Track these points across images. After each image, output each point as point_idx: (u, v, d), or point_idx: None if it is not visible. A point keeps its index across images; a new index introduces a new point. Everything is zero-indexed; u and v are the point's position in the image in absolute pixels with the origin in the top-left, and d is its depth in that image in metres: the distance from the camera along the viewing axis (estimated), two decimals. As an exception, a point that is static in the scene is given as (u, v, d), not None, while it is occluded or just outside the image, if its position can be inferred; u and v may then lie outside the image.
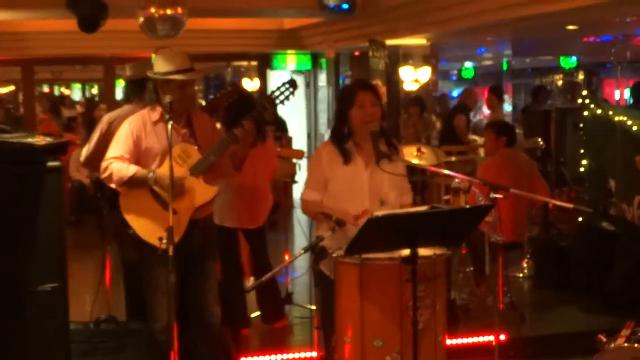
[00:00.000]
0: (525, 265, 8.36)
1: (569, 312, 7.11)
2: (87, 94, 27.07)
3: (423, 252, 3.90)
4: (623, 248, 7.10)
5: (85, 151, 5.67)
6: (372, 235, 3.79)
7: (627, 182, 7.24)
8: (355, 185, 4.41)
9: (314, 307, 4.18)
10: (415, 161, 7.14)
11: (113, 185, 4.85)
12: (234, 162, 5.00)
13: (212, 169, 4.93)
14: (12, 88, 24.01)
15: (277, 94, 5.03)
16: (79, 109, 20.80)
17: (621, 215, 7.26)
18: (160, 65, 4.87)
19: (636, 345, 4.44)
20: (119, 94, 15.91)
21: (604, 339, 4.58)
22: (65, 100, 22.67)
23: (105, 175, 4.83)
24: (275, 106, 5.12)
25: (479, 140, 9.33)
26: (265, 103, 5.05)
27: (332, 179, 4.45)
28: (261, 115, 5.04)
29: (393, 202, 4.43)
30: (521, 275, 8.32)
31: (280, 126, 12.98)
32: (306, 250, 4.06)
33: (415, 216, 3.94)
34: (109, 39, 12.38)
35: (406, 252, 3.81)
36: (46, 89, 25.60)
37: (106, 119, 5.61)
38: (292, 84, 5.07)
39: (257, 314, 6.71)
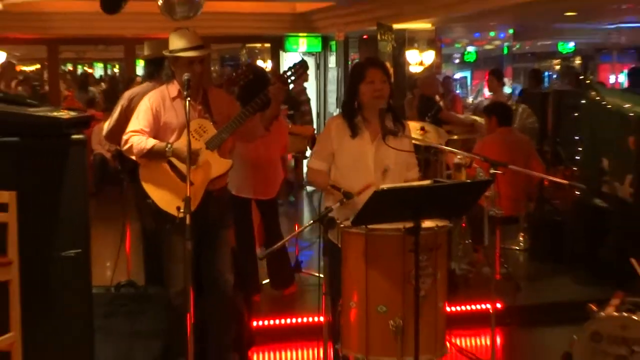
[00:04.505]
0: (521, 239, 8.36)
1: (562, 283, 7.13)
2: (109, 73, 27.05)
3: (425, 223, 3.90)
4: (614, 223, 7.11)
5: (107, 125, 5.69)
6: (377, 206, 3.79)
7: (619, 161, 7.24)
8: (360, 158, 4.41)
9: (321, 275, 4.19)
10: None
11: (133, 157, 4.88)
12: (264, 122, 5.05)
13: (244, 131, 4.96)
14: (37, 66, 24.02)
15: (288, 73, 5.03)
16: (103, 85, 20.82)
17: (613, 193, 7.27)
18: (172, 44, 4.88)
19: (624, 313, 4.45)
20: (139, 73, 15.89)
21: (595, 308, 4.59)
22: (88, 78, 22.66)
23: (126, 147, 4.85)
24: (287, 85, 5.13)
25: (480, 120, 9.29)
26: (277, 80, 5.06)
27: (339, 151, 4.45)
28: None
29: (396, 175, 4.43)
30: (517, 247, 8.33)
31: (294, 104, 12.93)
32: (315, 220, 4.06)
33: (419, 190, 3.94)
34: (129, 20, 12.36)
35: (409, 223, 3.81)
36: (69, 68, 25.59)
37: (127, 95, 5.63)
38: (303, 65, 5.07)
39: (268, 280, 6.74)
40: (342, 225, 4.04)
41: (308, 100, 13.82)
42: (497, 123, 7.57)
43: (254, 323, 5.83)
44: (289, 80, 5.03)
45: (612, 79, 20.87)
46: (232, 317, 5.25)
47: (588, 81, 11.47)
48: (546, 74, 21.84)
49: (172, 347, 5.04)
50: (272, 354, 5.73)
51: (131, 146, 4.80)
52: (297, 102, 13.24)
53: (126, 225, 6.18)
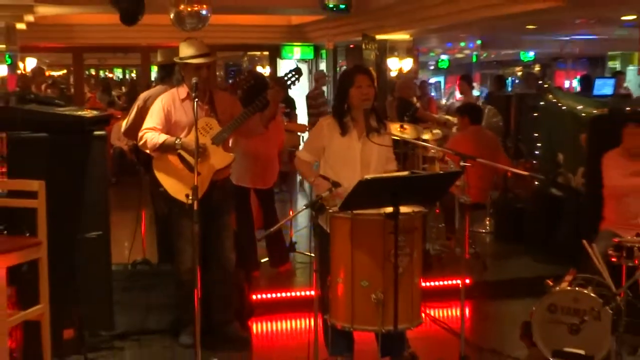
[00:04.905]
0: (487, 223, 8.37)
1: (522, 261, 7.13)
2: (127, 77, 26.95)
3: (403, 209, 3.90)
4: (568, 210, 7.11)
5: (125, 123, 5.67)
6: (361, 194, 3.78)
7: (572, 155, 7.25)
8: (348, 153, 4.39)
9: (312, 254, 4.18)
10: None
11: (147, 151, 4.86)
12: (263, 121, 5.03)
13: (245, 129, 4.94)
14: (64, 71, 23.91)
15: (285, 79, 5.02)
16: (124, 89, 20.74)
17: (567, 183, 7.28)
18: (182, 51, 4.86)
19: (576, 288, 4.46)
20: (153, 77, 15.84)
21: (551, 283, 4.60)
22: (109, 82, 22.56)
23: (141, 142, 4.84)
24: (285, 88, 5.12)
25: (452, 119, 9.28)
26: (274, 84, 5.06)
27: (330, 146, 4.43)
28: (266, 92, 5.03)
29: (378, 168, 4.42)
30: (484, 230, 8.33)
31: (290, 104, 13.00)
32: (307, 206, 4.05)
33: (398, 179, 3.93)
34: (145, 30, 12.30)
35: (389, 209, 3.81)
36: (92, 72, 25.48)
37: (142, 96, 5.60)
38: (297, 71, 5.05)
39: (266, 259, 6.73)
40: (330, 211, 4.03)
41: (326, 101, 13.96)
42: (469, 122, 7.56)
43: (254, 296, 5.82)
44: (287, 85, 5.04)
45: (566, 84, 20.89)
46: (234, 291, 5.25)
47: (546, 86, 11.51)
48: (509, 79, 21.87)
49: (182, 317, 5.04)
50: (269, 323, 5.73)
51: (146, 141, 4.79)
52: (294, 102, 13.38)
53: (141, 210, 6.16)
